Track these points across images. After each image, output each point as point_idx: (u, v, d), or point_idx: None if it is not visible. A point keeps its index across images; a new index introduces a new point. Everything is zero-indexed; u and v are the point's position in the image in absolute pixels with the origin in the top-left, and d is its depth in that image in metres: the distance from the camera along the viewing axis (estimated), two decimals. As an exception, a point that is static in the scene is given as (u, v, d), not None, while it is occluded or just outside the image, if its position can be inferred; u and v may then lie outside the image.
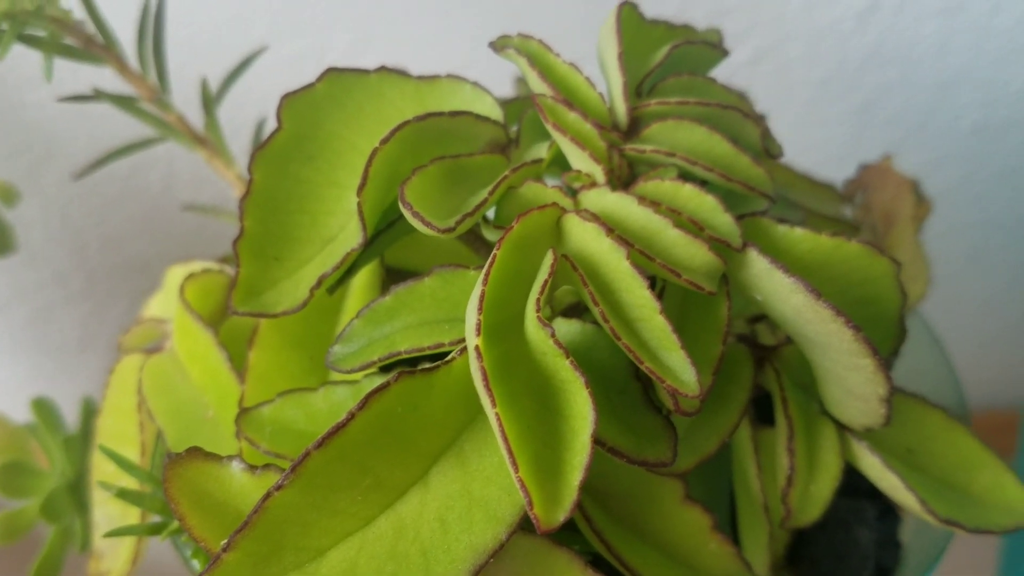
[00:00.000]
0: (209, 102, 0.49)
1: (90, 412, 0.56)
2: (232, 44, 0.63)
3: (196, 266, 0.45)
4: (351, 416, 0.30)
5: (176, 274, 0.47)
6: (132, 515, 0.46)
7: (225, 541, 0.30)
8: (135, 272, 0.86)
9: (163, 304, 0.48)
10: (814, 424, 0.38)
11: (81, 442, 0.55)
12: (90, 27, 0.50)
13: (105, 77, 0.52)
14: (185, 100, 0.53)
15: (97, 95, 0.49)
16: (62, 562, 0.53)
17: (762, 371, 0.39)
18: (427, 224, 0.32)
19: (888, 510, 0.47)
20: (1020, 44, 0.74)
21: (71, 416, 0.58)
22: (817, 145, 0.81)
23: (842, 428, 0.38)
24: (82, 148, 0.76)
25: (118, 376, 0.46)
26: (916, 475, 0.39)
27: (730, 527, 0.42)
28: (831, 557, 0.45)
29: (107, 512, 0.49)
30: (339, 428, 0.30)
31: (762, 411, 0.42)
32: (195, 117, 0.52)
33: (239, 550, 0.30)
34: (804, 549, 0.46)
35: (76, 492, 0.55)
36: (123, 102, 0.49)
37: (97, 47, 0.50)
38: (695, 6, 0.72)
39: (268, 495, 0.30)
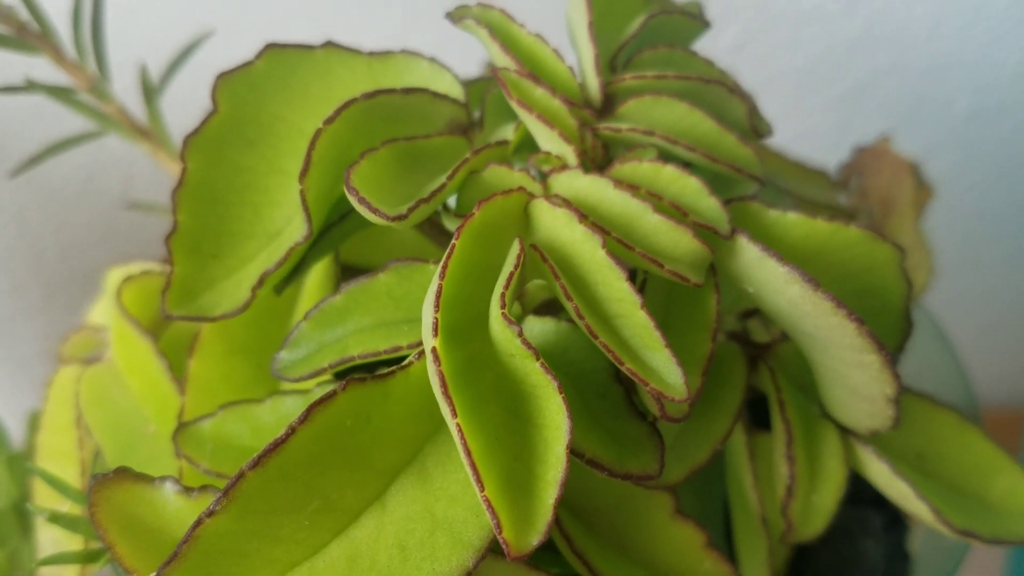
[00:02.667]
0: (150, 91, 0.45)
1: (36, 427, 0.52)
2: (182, 34, 0.60)
3: (135, 268, 0.42)
4: (291, 431, 0.26)
5: (116, 277, 0.43)
6: (77, 539, 0.42)
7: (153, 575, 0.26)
8: (95, 280, 0.82)
9: (105, 310, 0.45)
10: (815, 428, 0.35)
11: (27, 459, 0.52)
12: (23, 13, 0.46)
13: (45, 69, 0.48)
14: (129, 93, 0.50)
15: (30, 86, 0.45)
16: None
17: (756, 371, 0.36)
18: (375, 211, 0.28)
19: (895, 519, 0.44)
20: (1013, 25, 0.71)
21: (22, 431, 0.54)
22: (804, 134, 0.78)
23: (845, 432, 0.35)
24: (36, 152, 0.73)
25: (56, 389, 0.43)
26: (928, 482, 0.35)
27: (725, 543, 0.38)
28: (835, 571, 0.42)
29: (52, 535, 0.45)
30: (277, 445, 0.26)
31: (757, 415, 0.38)
32: (140, 110, 0.48)
33: (169, 585, 0.26)
34: (805, 564, 0.42)
35: (22, 514, 0.51)
36: (59, 93, 0.45)
37: (31, 35, 0.46)
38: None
39: (199, 522, 0.26)
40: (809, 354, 0.33)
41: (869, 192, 0.45)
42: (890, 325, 0.34)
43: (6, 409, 0.62)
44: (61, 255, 0.81)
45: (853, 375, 0.32)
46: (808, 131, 0.78)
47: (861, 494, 0.43)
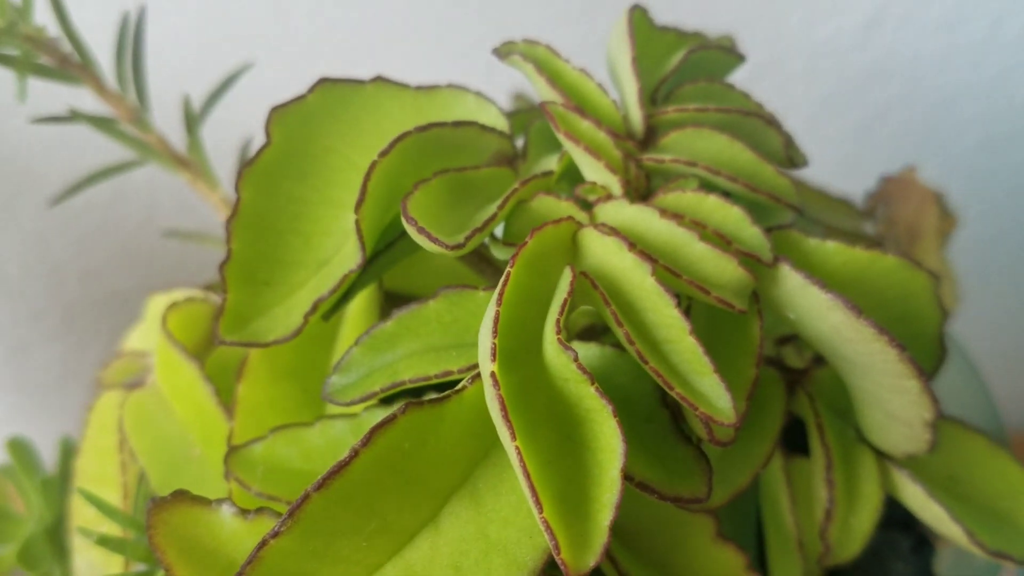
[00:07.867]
0: (192, 121, 0.46)
1: (68, 452, 0.53)
2: (217, 66, 0.61)
3: (179, 295, 0.43)
4: (355, 453, 0.27)
5: (158, 304, 0.44)
6: (116, 562, 0.43)
7: (217, 596, 0.27)
8: (115, 306, 0.83)
9: (144, 336, 0.45)
10: (852, 452, 0.36)
11: (59, 484, 0.52)
12: (66, 45, 0.47)
13: (86, 99, 0.49)
14: (167, 123, 0.51)
15: (74, 116, 0.46)
16: (42, 613, 0.50)
17: (794, 396, 0.36)
18: (435, 241, 0.29)
19: (922, 541, 0.44)
20: (1022, 58, 0.72)
21: (50, 456, 0.54)
22: (818, 164, 0.79)
23: (881, 456, 0.36)
24: (60, 178, 0.73)
25: (97, 414, 0.43)
26: (960, 505, 0.36)
27: (759, 566, 0.39)
28: (865, 594, 0.42)
29: (89, 559, 0.46)
30: (341, 467, 0.27)
31: (789, 440, 0.39)
32: (177, 140, 0.49)
33: (232, 605, 0.27)
34: (836, 586, 0.43)
35: (55, 537, 0.51)
36: (101, 123, 0.46)
37: (73, 66, 0.47)
38: (687, 24, 0.70)
39: (264, 543, 0.27)
40: (847, 379, 0.34)
41: (895, 221, 0.46)
42: (926, 351, 0.35)
43: (29, 432, 0.63)
44: (81, 281, 0.81)
45: (892, 400, 0.32)
46: (823, 161, 0.78)
47: (889, 517, 0.44)
